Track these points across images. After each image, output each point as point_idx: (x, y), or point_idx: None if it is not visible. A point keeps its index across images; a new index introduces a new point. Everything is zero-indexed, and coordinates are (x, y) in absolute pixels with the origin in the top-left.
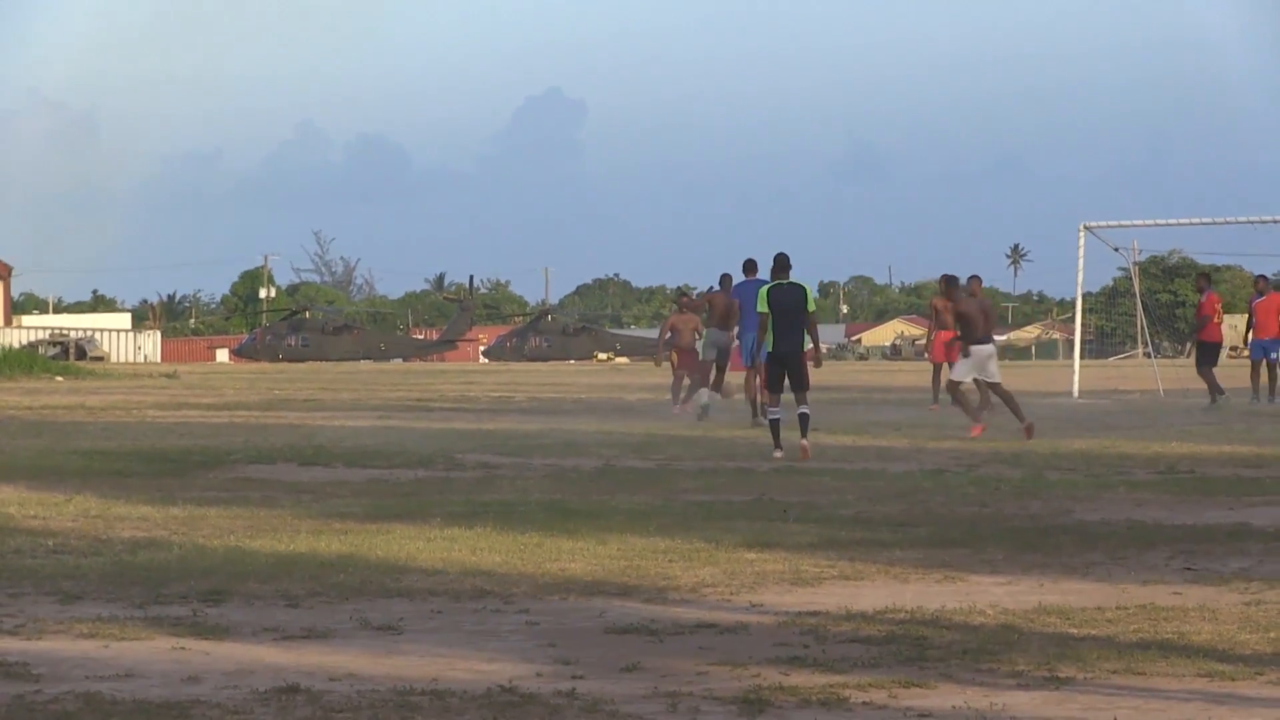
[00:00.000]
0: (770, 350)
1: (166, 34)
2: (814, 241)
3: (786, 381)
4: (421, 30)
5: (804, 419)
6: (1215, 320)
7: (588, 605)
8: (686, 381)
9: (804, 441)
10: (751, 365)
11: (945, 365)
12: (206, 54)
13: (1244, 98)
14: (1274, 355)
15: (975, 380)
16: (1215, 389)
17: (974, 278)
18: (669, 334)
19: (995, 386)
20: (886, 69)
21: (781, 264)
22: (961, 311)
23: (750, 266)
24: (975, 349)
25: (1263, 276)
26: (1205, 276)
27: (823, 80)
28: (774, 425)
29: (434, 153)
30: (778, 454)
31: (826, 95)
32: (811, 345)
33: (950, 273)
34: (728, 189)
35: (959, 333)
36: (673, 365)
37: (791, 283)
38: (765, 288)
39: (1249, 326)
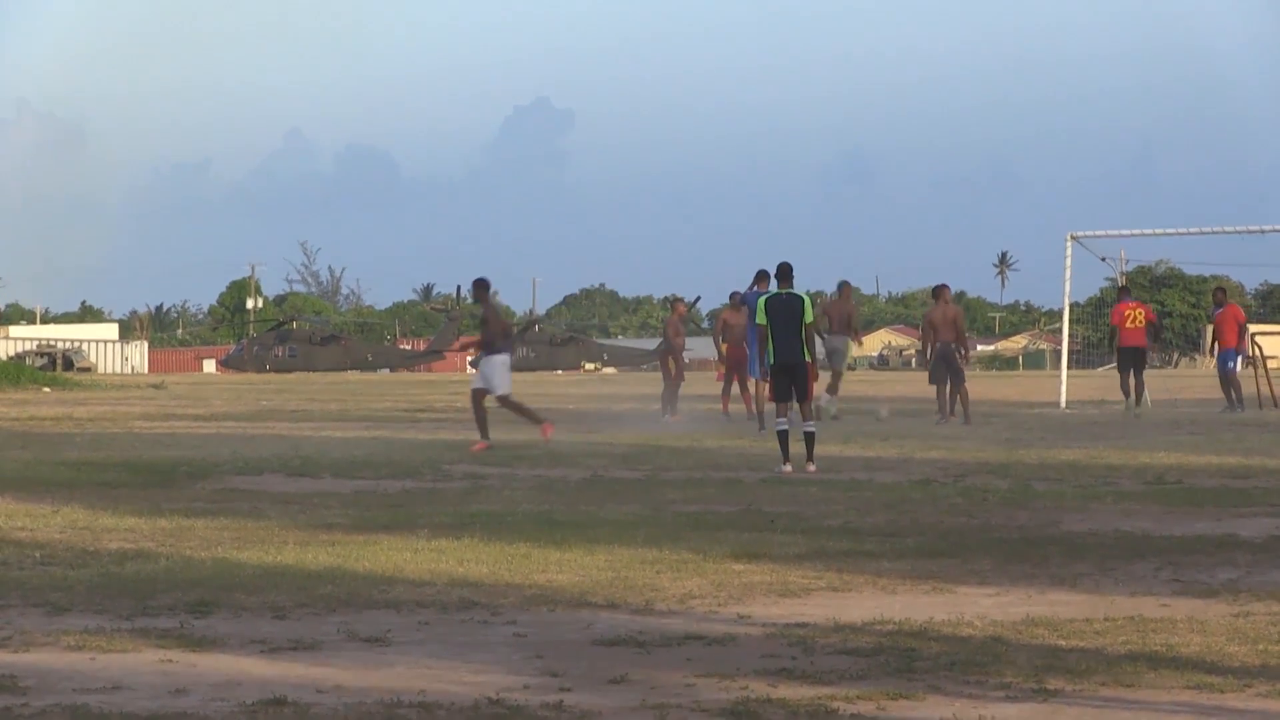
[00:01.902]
0: (773, 361)
1: (155, 44)
2: (801, 251)
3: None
4: (410, 40)
5: (810, 439)
6: (1126, 325)
7: (575, 617)
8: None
9: (810, 465)
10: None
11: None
12: (195, 64)
13: (1233, 106)
14: (1230, 365)
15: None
16: (1125, 393)
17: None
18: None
19: (504, 399)
20: (875, 78)
21: (783, 273)
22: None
23: (763, 276)
24: (495, 359)
25: (1220, 289)
26: (1124, 289)
27: (810, 90)
28: (782, 438)
29: (422, 162)
30: (786, 468)
31: (814, 105)
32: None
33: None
34: (715, 199)
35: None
36: (669, 374)
37: (791, 293)
38: (763, 298)
39: (1213, 339)
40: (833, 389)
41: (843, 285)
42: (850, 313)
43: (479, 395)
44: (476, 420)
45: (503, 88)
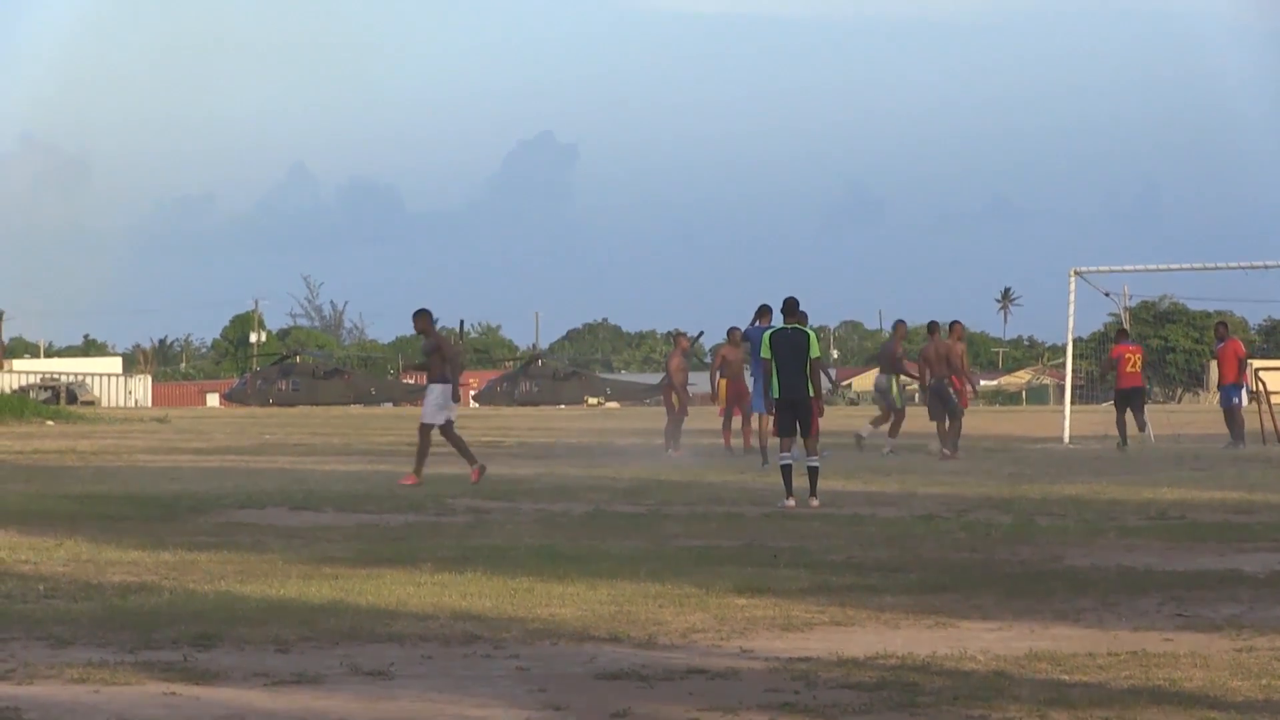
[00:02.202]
0: (778, 396)
1: (159, 78)
2: (805, 286)
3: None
4: (414, 74)
5: (814, 474)
6: (1126, 369)
7: (578, 650)
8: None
9: (813, 500)
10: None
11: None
12: (199, 97)
13: (1239, 142)
14: (1235, 400)
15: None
16: (1122, 436)
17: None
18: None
19: (426, 428)
20: (878, 114)
21: (789, 308)
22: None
23: (765, 311)
24: (447, 387)
25: (1222, 324)
26: (1122, 332)
27: (814, 125)
28: (785, 472)
29: (426, 196)
30: (789, 502)
31: (818, 140)
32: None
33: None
34: (718, 234)
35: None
36: (671, 408)
37: (796, 328)
38: (768, 332)
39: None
40: (893, 431)
41: (896, 324)
42: (892, 351)
43: (447, 429)
44: (458, 450)
45: (506, 122)
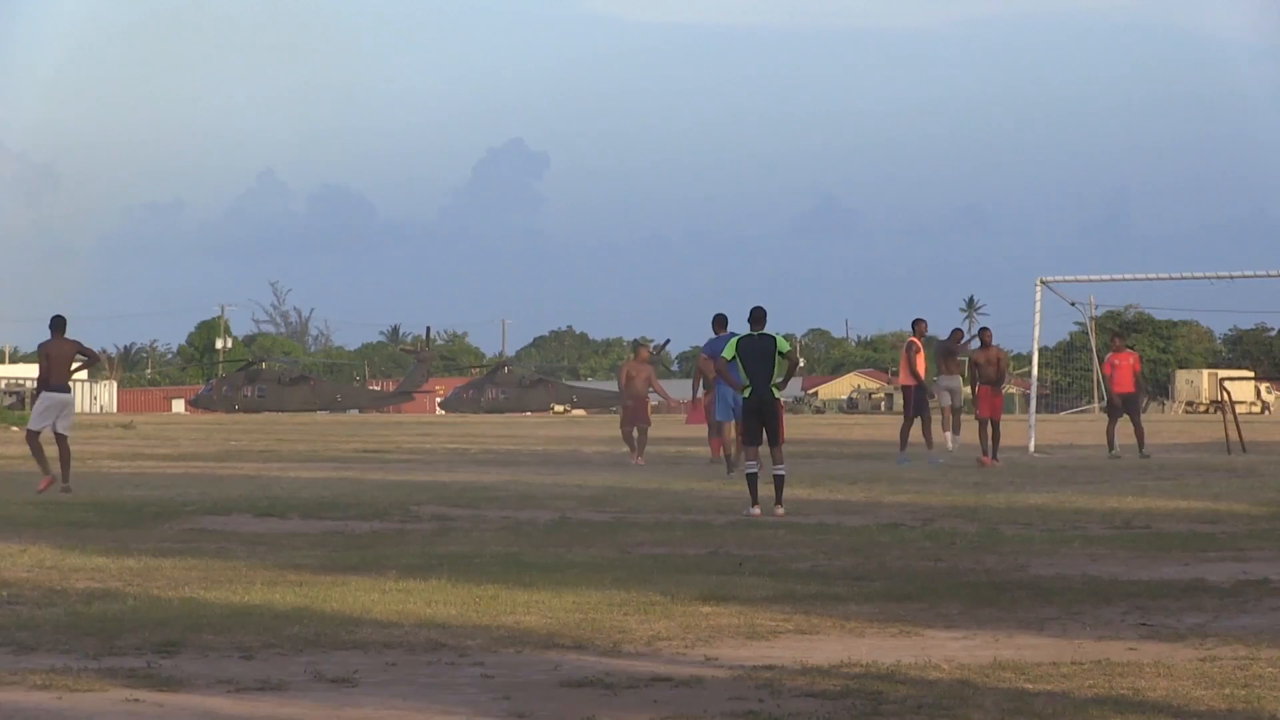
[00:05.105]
0: (745, 399)
1: (129, 85)
2: (771, 295)
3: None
4: (385, 81)
5: (779, 481)
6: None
7: (543, 658)
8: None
9: (778, 509)
10: (729, 419)
11: (990, 420)
12: (169, 105)
13: (1209, 152)
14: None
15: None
16: (1110, 443)
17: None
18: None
19: (62, 439)
20: (845, 123)
21: (756, 317)
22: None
23: (720, 322)
24: (53, 395)
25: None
26: (1116, 335)
27: (783, 134)
28: (751, 480)
29: (396, 204)
30: (754, 510)
31: (787, 149)
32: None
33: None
34: (686, 242)
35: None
36: (633, 418)
37: (763, 334)
38: (735, 338)
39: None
40: (956, 427)
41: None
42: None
43: (60, 438)
44: (60, 458)
45: (477, 129)
